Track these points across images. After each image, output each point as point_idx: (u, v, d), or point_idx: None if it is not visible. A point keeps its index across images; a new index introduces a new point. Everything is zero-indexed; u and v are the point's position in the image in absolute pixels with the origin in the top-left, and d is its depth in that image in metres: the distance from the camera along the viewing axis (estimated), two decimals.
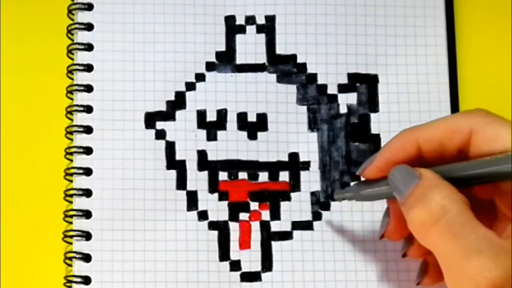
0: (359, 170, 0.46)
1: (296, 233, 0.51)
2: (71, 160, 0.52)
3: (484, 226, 0.38)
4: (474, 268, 0.37)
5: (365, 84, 0.53)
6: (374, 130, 0.53)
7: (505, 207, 0.42)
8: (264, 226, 0.51)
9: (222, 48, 0.54)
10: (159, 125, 0.52)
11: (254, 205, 0.52)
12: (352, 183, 0.51)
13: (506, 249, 0.37)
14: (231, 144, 0.52)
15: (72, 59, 0.53)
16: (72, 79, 0.53)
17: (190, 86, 0.53)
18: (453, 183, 0.40)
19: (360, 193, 0.46)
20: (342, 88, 0.53)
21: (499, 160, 0.40)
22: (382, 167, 0.44)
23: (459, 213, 0.38)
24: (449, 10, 0.54)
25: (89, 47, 0.53)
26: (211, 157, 0.52)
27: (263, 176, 0.52)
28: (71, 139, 0.52)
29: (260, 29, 0.54)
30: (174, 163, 0.52)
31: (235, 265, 0.51)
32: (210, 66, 0.53)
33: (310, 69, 0.53)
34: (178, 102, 0.53)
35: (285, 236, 0.51)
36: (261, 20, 0.54)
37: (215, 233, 0.51)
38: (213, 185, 0.52)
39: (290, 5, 0.54)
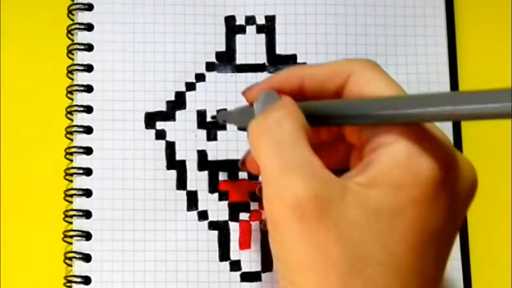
0: (244, 89, 0.45)
1: None
2: (71, 160, 0.52)
3: (314, 154, 0.38)
4: (286, 183, 0.36)
5: None
6: None
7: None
8: (264, 226, 0.51)
9: (222, 48, 0.54)
10: (159, 125, 0.52)
11: (254, 205, 0.52)
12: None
13: (323, 177, 0.37)
14: (231, 144, 0.52)
15: (72, 59, 0.53)
16: (72, 79, 0.53)
17: (190, 86, 0.53)
18: (314, 120, 0.41)
19: (231, 113, 0.48)
20: None
21: (346, 103, 0.41)
22: (264, 91, 0.44)
23: (291, 133, 0.38)
24: (450, 9, 0.54)
25: (89, 47, 0.53)
26: (211, 157, 0.52)
27: None
28: (71, 139, 0.52)
29: (260, 29, 0.54)
30: (174, 163, 0.52)
31: (235, 265, 0.51)
32: (210, 66, 0.53)
33: None
34: (178, 102, 0.53)
35: None
36: (261, 20, 0.54)
37: (215, 233, 0.51)
38: (213, 185, 0.52)
39: (290, 5, 0.54)
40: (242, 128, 0.47)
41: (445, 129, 0.52)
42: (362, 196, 0.37)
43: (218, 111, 0.52)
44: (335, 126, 0.43)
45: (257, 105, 0.42)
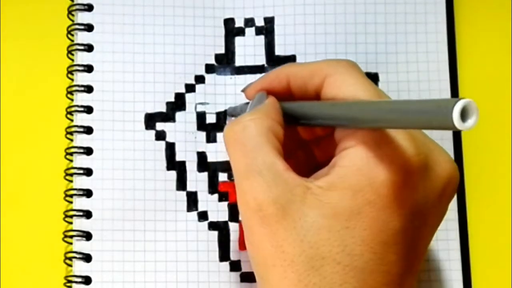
0: (243, 88, 0.49)
1: None
2: (71, 161, 0.52)
3: (277, 156, 0.40)
4: (248, 186, 0.39)
5: None
6: None
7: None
8: None
9: (221, 50, 0.54)
10: (159, 126, 0.52)
11: None
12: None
13: (286, 181, 0.39)
14: None
15: (72, 59, 0.53)
16: (72, 79, 0.53)
17: (190, 88, 0.53)
18: (294, 119, 0.43)
19: (233, 110, 0.52)
20: None
21: (320, 105, 0.42)
22: (258, 90, 0.46)
23: (255, 136, 0.41)
24: (450, 6, 0.54)
25: (89, 48, 0.53)
26: (210, 158, 0.52)
27: None
28: (71, 140, 0.52)
29: (259, 31, 0.54)
30: (174, 164, 0.52)
31: (235, 265, 0.51)
32: (209, 68, 0.53)
33: None
34: (178, 103, 0.53)
35: None
36: (260, 22, 0.54)
37: (215, 233, 0.51)
38: (213, 186, 0.52)
39: (289, 6, 0.54)
40: None
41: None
42: (321, 198, 0.39)
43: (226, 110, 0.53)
44: (309, 126, 0.45)
45: (249, 107, 0.45)
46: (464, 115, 0.32)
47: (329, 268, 0.38)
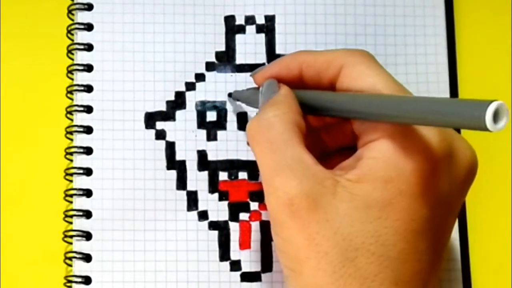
0: (252, 73, 0.48)
1: None
2: (71, 160, 0.52)
3: (305, 151, 0.40)
4: (279, 182, 0.39)
5: None
6: None
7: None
8: (264, 226, 0.51)
9: (222, 48, 0.54)
10: (159, 125, 0.52)
11: (254, 205, 0.52)
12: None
13: (316, 175, 0.39)
14: (231, 144, 0.52)
15: (72, 59, 0.53)
16: (72, 79, 0.53)
17: (190, 86, 0.53)
18: (308, 109, 0.43)
19: (243, 93, 0.51)
20: None
21: (339, 96, 0.42)
22: (267, 77, 0.46)
23: (282, 132, 0.41)
24: (449, 9, 0.54)
25: (89, 47, 0.53)
26: (211, 157, 0.52)
27: None
28: (71, 139, 0.52)
29: (259, 29, 0.54)
30: (174, 163, 0.52)
31: (235, 265, 0.51)
32: (210, 66, 0.53)
33: None
34: (178, 102, 0.53)
35: None
36: (260, 20, 0.54)
37: (215, 233, 0.51)
38: (213, 185, 0.52)
39: (289, 5, 0.54)
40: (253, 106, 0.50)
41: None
42: (352, 191, 0.39)
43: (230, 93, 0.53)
44: (324, 116, 0.45)
45: (260, 94, 0.45)
46: (495, 117, 0.32)
47: (364, 259, 0.38)
